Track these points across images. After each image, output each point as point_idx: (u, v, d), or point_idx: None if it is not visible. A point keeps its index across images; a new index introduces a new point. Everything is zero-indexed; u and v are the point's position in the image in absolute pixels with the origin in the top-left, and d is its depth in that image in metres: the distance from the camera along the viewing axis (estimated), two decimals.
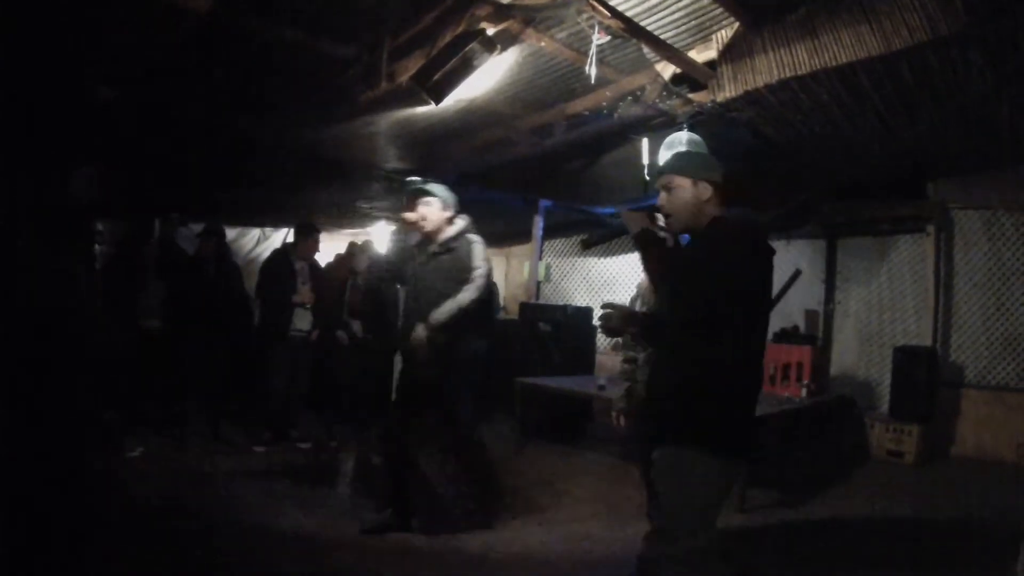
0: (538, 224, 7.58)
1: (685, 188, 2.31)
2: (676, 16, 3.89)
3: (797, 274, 7.13)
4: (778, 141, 5.02)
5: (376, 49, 3.84)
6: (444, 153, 5.52)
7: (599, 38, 3.59)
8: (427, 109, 4.19)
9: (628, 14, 3.64)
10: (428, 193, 3.66)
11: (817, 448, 6.03)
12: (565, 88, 4.50)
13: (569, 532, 3.95)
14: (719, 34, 4.20)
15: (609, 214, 7.80)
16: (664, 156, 2.43)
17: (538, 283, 8.09)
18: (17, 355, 2.72)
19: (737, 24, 4.07)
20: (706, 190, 2.30)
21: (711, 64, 4.26)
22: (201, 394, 5.79)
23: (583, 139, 5.13)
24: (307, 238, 5.79)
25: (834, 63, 3.78)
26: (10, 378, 2.69)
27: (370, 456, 4.95)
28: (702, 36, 4.20)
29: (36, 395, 2.79)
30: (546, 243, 8.72)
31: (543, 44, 3.83)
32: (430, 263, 3.71)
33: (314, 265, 5.93)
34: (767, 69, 4.03)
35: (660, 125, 4.64)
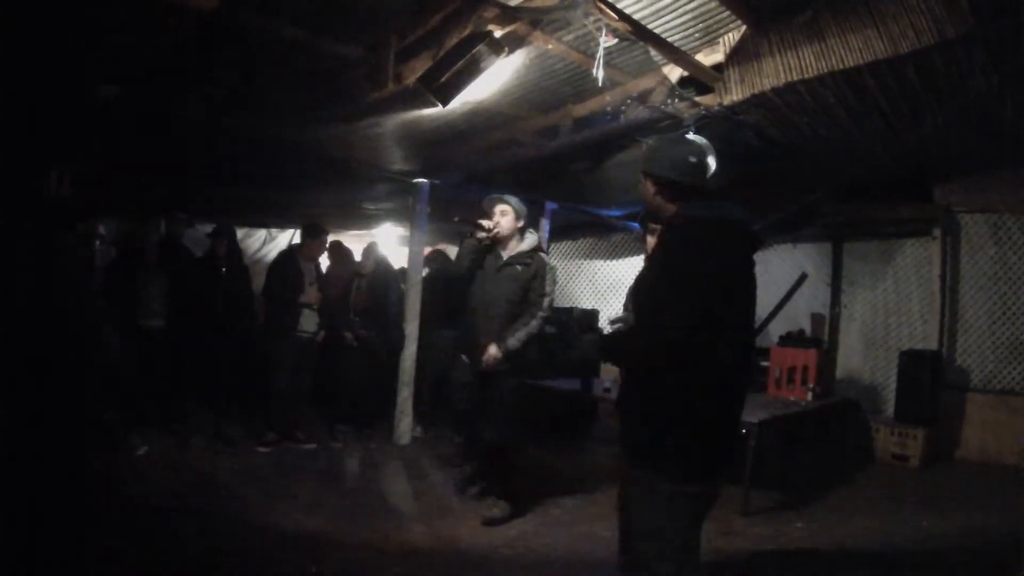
0: (544, 226, 7.58)
1: (643, 183, 2.22)
2: (683, 19, 3.89)
3: (803, 277, 7.08)
4: (783, 143, 5.02)
5: (382, 50, 3.85)
6: (450, 154, 5.53)
7: (606, 41, 3.59)
8: (434, 111, 4.19)
9: (635, 17, 3.64)
10: (505, 202, 4.02)
11: (822, 451, 6.02)
12: (572, 90, 4.50)
13: (573, 533, 3.96)
14: (726, 37, 4.20)
15: (615, 216, 7.81)
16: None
17: None
18: (16, 355, 2.74)
19: (744, 27, 4.08)
20: (650, 186, 2.18)
21: (718, 67, 4.26)
22: (204, 394, 5.81)
23: (589, 141, 5.13)
24: (314, 239, 5.81)
25: (841, 66, 3.77)
26: (9, 378, 2.70)
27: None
28: (709, 39, 4.20)
29: (35, 395, 2.80)
30: (552, 245, 8.72)
31: (550, 46, 3.83)
32: (502, 271, 4.02)
33: (319, 266, 5.97)
34: (774, 72, 4.03)
35: (667, 128, 4.65)
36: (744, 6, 3.84)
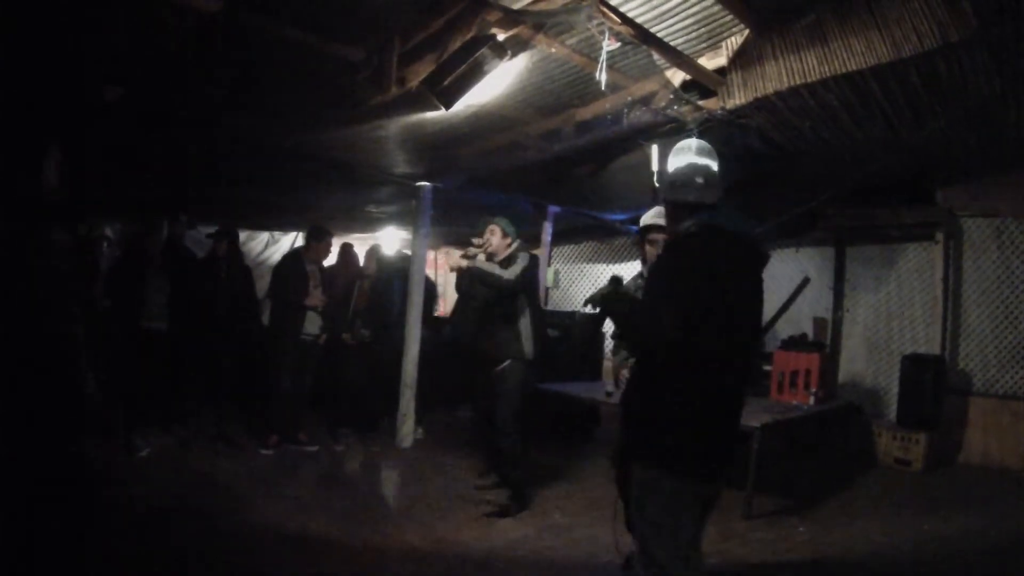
0: (547, 230, 7.58)
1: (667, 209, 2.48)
2: (686, 23, 3.90)
3: (806, 281, 7.13)
4: (786, 147, 5.02)
5: (386, 53, 3.85)
6: (453, 158, 5.54)
7: (609, 44, 3.60)
8: (437, 114, 4.21)
9: (638, 21, 3.65)
10: (495, 223, 4.43)
11: (824, 455, 6.01)
12: (574, 94, 4.51)
13: (574, 536, 3.95)
14: (729, 41, 4.22)
15: (617, 220, 7.81)
16: (673, 163, 2.42)
17: (547, 289, 8.08)
18: (14, 354, 2.73)
19: (747, 31, 4.08)
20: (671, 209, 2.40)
21: (721, 71, 4.27)
22: (207, 395, 5.82)
23: (592, 145, 5.14)
24: (319, 241, 5.81)
25: (844, 70, 3.78)
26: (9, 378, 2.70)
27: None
28: (712, 43, 4.21)
29: (35, 394, 2.79)
30: (554, 249, 8.72)
31: (553, 50, 3.84)
32: None
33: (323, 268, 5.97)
34: (777, 76, 4.04)
35: (669, 131, 4.65)
36: (747, 10, 3.85)
